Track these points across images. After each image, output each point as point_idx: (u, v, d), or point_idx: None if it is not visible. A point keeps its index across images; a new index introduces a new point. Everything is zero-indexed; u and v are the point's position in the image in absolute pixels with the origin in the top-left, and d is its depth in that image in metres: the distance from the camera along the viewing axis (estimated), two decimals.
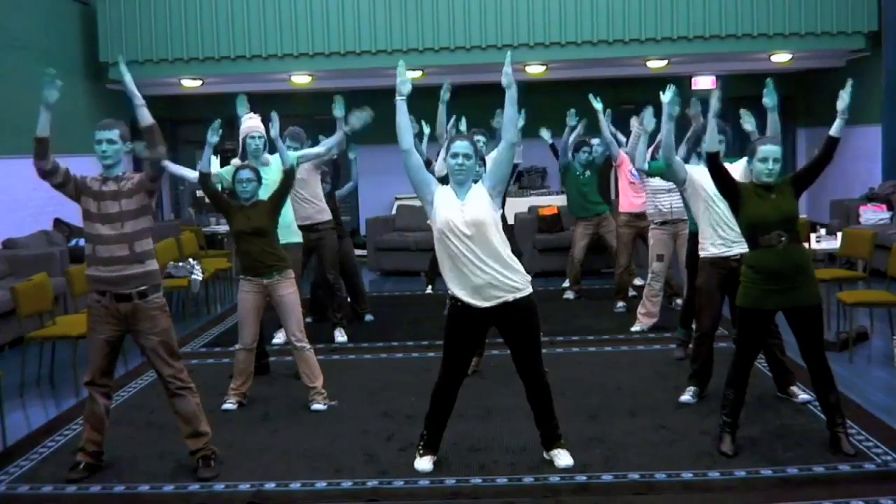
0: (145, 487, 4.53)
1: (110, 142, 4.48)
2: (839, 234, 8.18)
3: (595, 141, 8.83)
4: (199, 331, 8.35)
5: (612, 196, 9.89)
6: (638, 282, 9.01)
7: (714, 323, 5.51)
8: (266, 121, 6.36)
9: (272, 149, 6.34)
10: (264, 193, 5.74)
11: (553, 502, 4.20)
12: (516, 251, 4.55)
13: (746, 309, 4.62)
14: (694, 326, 5.87)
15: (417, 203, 11.55)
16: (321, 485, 4.47)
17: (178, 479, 4.60)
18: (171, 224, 11.95)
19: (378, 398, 5.90)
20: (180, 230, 10.82)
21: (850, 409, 5.08)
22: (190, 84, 12.15)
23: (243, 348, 5.73)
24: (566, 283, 9.41)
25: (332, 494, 4.37)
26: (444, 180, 4.62)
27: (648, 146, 6.54)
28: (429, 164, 5.94)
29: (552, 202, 11.58)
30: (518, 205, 11.49)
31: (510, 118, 4.34)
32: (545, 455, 4.64)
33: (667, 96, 5.31)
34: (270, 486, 4.48)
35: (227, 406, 5.70)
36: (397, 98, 4.37)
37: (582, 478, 4.42)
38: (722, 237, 5.29)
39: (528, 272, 4.52)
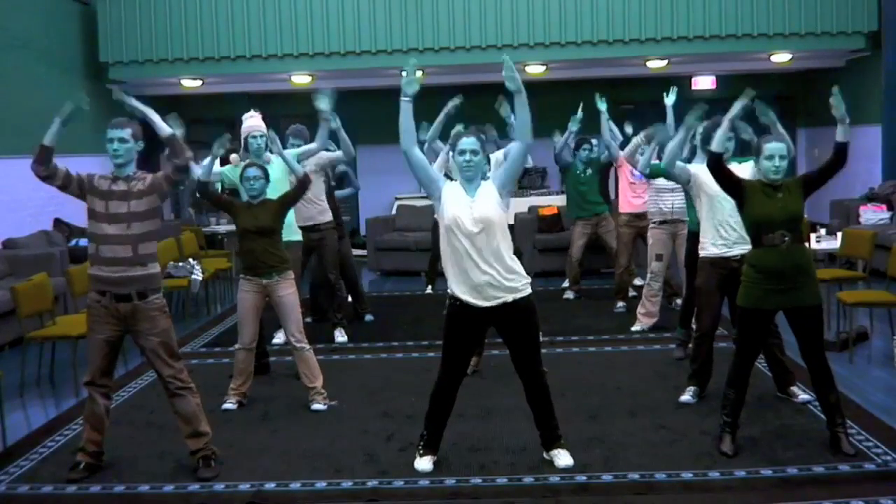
0: (145, 487, 4.53)
1: (122, 140, 4.47)
2: (839, 234, 8.17)
3: (595, 141, 8.83)
4: (198, 331, 8.35)
5: (612, 196, 9.88)
6: (638, 282, 8.99)
7: (714, 323, 5.51)
8: (266, 120, 6.35)
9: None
10: (268, 191, 5.72)
11: (553, 502, 4.20)
12: (516, 251, 4.54)
13: (747, 309, 4.62)
14: (694, 326, 5.87)
15: (417, 203, 11.72)
16: (321, 485, 4.47)
17: (178, 479, 4.60)
18: (171, 224, 11.91)
19: (378, 398, 5.90)
20: (180, 230, 10.80)
21: (850, 409, 5.08)
22: (190, 84, 12.15)
23: (243, 348, 5.73)
24: (566, 283, 9.41)
25: (332, 494, 4.37)
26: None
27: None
28: None
29: (552, 202, 11.57)
30: (518, 205, 11.47)
31: (524, 121, 4.31)
32: (545, 455, 4.64)
33: (670, 99, 5.31)
34: (270, 486, 4.48)
35: (227, 406, 5.70)
36: (402, 99, 4.29)
37: (582, 478, 4.41)
38: (724, 237, 5.29)
39: (528, 272, 4.52)
